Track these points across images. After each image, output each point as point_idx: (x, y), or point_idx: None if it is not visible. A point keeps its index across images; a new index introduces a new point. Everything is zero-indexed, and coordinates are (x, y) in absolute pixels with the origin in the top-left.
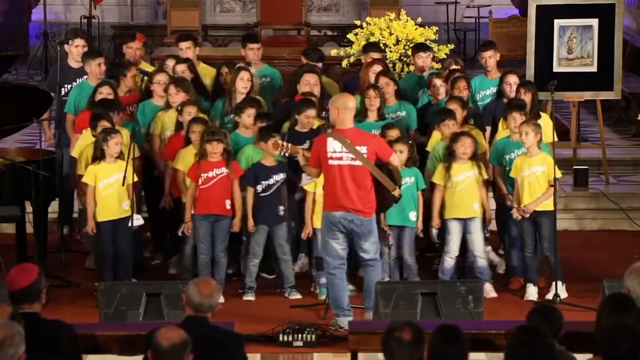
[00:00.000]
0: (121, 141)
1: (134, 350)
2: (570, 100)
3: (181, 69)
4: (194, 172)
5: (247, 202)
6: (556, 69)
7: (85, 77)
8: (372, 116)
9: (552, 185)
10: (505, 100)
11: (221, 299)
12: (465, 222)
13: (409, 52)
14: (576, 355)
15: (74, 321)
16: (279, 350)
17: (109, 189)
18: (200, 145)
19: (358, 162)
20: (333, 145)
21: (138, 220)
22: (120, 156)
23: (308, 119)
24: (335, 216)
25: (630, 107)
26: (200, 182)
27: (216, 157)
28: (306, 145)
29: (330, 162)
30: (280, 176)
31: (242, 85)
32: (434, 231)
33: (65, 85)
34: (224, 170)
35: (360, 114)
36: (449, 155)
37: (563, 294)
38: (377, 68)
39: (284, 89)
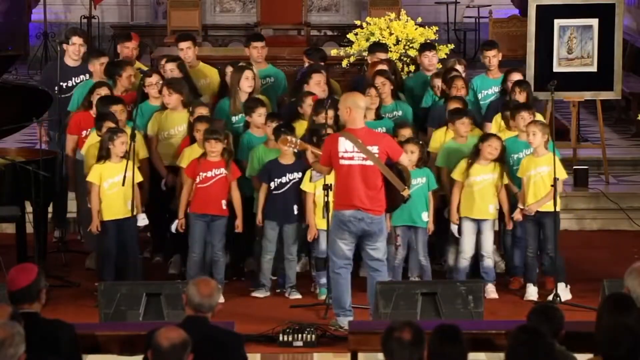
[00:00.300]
0: (127, 140)
1: (134, 350)
2: (570, 100)
3: (170, 67)
4: (192, 169)
5: (259, 199)
6: (556, 69)
7: (81, 76)
8: (370, 115)
9: (552, 185)
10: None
11: (221, 299)
12: (477, 223)
13: (410, 52)
14: (576, 355)
15: (74, 321)
16: (279, 350)
17: (114, 188)
18: (204, 143)
19: (369, 162)
20: (344, 145)
21: (144, 220)
22: (125, 156)
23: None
24: (345, 215)
25: (630, 107)
26: (198, 180)
27: (215, 156)
28: None
29: (342, 162)
30: (296, 175)
31: (247, 84)
32: (454, 227)
33: (61, 84)
34: (222, 170)
35: None
36: (474, 154)
37: (567, 295)
38: (381, 68)
39: (289, 89)
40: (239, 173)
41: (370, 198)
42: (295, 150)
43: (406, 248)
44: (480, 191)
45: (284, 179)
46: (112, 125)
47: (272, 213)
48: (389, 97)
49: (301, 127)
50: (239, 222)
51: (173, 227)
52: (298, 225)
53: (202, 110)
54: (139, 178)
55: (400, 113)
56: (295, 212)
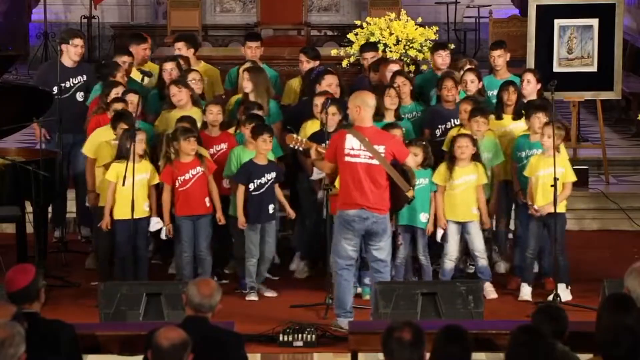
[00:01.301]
0: (144, 139)
1: (134, 350)
2: (570, 100)
3: (170, 67)
4: (168, 175)
5: (237, 200)
6: (556, 69)
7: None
8: (390, 116)
9: (552, 186)
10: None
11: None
12: (462, 225)
13: (410, 52)
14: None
15: (74, 321)
16: (279, 350)
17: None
18: (167, 146)
19: (375, 161)
20: (351, 142)
21: (157, 224)
22: (143, 155)
23: (331, 118)
24: (349, 214)
25: (630, 107)
26: (177, 184)
27: (190, 155)
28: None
29: (347, 158)
30: (272, 175)
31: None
32: (440, 232)
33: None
34: (199, 169)
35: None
36: (450, 157)
37: (567, 296)
38: (394, 67)
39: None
40: (214, 166)
41: (375, 196)
42: (301, 149)
43: (408, 247)
44: (462, 193)
45: (262, 180)
46: (125, 126)
47: (254, 215)
48: (408, 97)
49: (313, 125)
50: (219, 215)
51: (163, 234)
52: (277, 223)
53: (213, 109)
54: (155, 180)
55: (419, 113)
56: (271, 211)
